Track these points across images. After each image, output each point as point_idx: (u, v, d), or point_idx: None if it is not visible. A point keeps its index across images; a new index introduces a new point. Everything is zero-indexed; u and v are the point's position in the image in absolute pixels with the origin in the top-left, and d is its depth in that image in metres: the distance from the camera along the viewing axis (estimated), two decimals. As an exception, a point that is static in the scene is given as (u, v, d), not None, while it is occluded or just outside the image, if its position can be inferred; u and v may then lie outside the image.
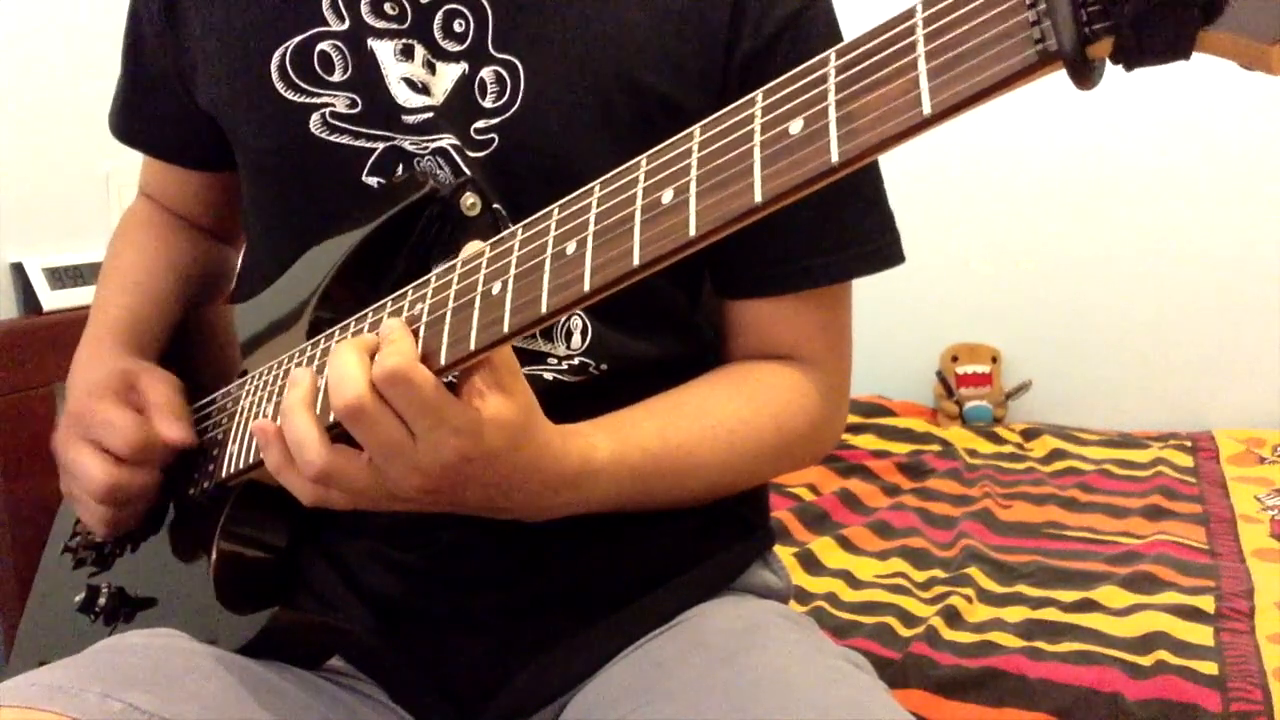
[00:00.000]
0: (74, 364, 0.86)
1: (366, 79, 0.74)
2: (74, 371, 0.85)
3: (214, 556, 0.73)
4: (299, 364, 0.69)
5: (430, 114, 0.73)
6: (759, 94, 0.46)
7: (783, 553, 1.07)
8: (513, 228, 0.56)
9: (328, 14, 0.75)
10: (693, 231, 0.46)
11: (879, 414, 2.24)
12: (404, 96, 0.73)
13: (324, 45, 0.75)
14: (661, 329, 0.78)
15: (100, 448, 0.77)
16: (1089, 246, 2.31)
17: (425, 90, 0.73)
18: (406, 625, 0.76)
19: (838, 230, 0.76)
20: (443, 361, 0.56)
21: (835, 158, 0.41)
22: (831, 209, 0.76)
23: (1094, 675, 1.20)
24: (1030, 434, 2.18)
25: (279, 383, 0.71)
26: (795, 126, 0.43)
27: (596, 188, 0.52)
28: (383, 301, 0.63)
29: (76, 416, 0.79)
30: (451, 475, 0.59)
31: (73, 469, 0.79)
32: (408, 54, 0.74)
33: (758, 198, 0.43)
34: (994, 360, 2.34)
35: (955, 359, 2.36)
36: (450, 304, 0.57)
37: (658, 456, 0.71)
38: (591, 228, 0.50)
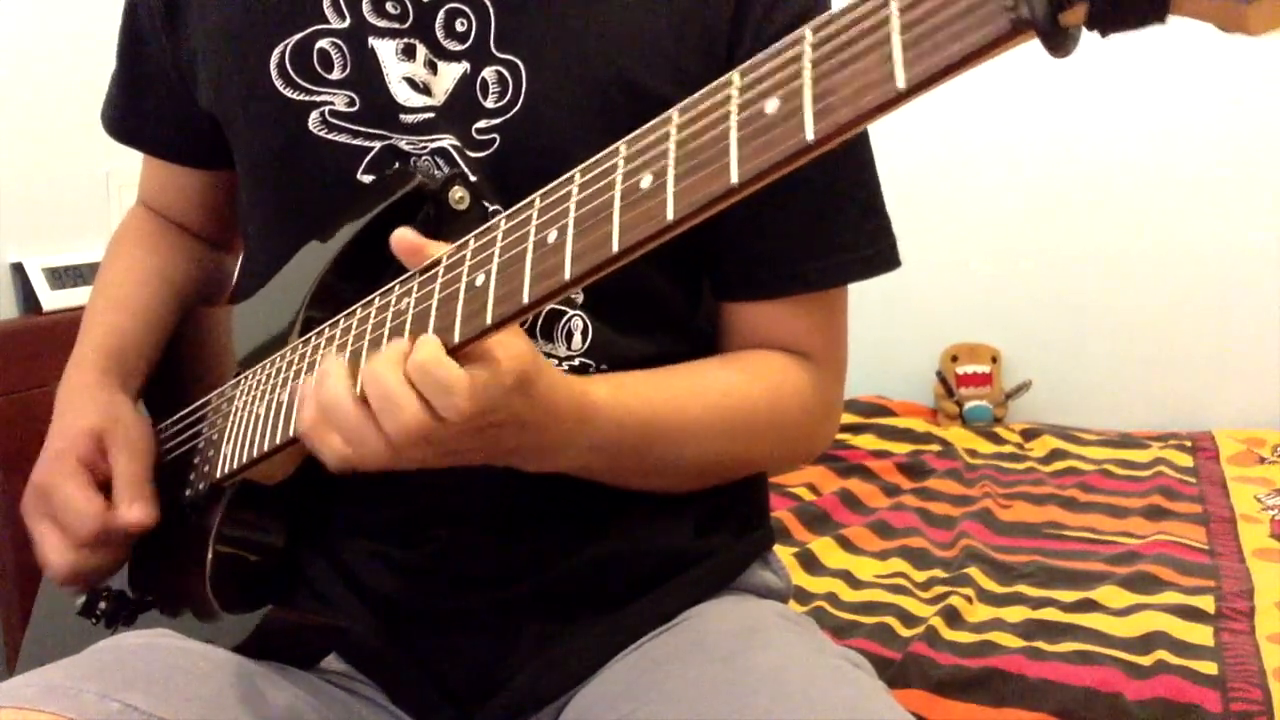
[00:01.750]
0: (59, 390, 0.85)
1: (366, 78, 0.74)
2: (57, 403, 0.84)
3: (209, 557, 0.73)
4: (290, 363, 0.69)
5: (430, 114, 0.73)
6: (735, 74, 0.45)
7: (783, 553, 1.07)
8: (496, 219, 0.56)
9: (328, 12, 0.75)
10: (670, 215, 0.45)
11: (879, 414, 2.24)
12: (404, 96, 0.73)
13: (323, 43, 0.75)
14: (662, 329, 0.78)
15: (61, 529, 0.77)
16: (1089, 246, 2.31)
17: (426, 90, 0.73)
18: (406, 625, 0.76)
19: (834, 234, 0.76)
20: None
21: (810, 135, 0.40)
22: (827, 213, 0.76)
23: (1094, 675, 1.20)
24: (1030, 434, 2.18)
25: (270, 382, 0.71)
26: (771, 105, 0.42)
27: (577, 175, 0.52)
28: (370, 298, 0.63)
29: (40, 489, 0.78)
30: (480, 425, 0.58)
31: (34, 544, 0.79)
32: (409, 53, 0.74)
33: (734, 179, 0.43)
34: (994, 360, 2.34)
35: (955, 359, 2.36)
36: (435, 297, 0.57)
37: (654, 404, 0.71)
38: (572, 215, 0.50)
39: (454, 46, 0.73)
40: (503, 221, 0.55)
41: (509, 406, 0.58)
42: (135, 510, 0.76)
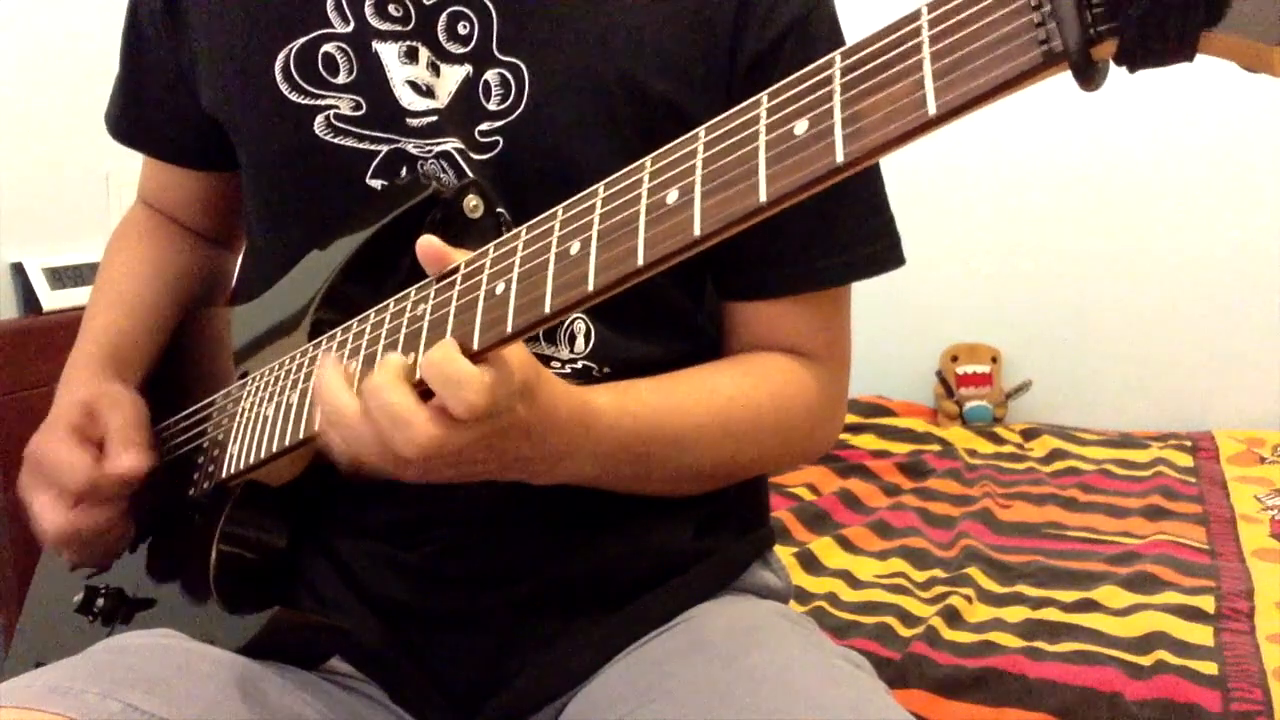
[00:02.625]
0: (58, 387, 0.85)
1: (371, 81, 0.74)
2: (55, 397, 0.84)
3: (213, 557, 0.73)
4: (300, 365, 0.69)
5: (434, 117, 0.73)
6: (764, 95, 0.46)
7: (783, 553, 1.07)
8: (517, 229, 0.56)
9: (332, 15, 0.75)
10: (697, 231, 0.46)
11: (879, 414, 2.25)
12: (408, 99, 0.73)
13: (328, 47, 0.74)
14: (665, 331, 0.78)
15: (56, 490, 0.76)
16: (1089, 246, 2.32)
17: (429, 93, 0.73)
18: (407, 625, 0.76)
19: (837, 234, 0.76)
20: None
21: (841, 158, 0.41)
22: (831, 213, 0.76)
23: (1094, 675, 1.20)
24: (1030, 434, 2.18)
25: (280, 383, 0.71)
26: (800, 127, 0.43)
27: (601, 189, 0.52)
28: (385, 303, 0.63)
29: (32, 459, 0.78)
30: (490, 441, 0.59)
31: (31, 514, 0.78)
32: (411, 56, 0.74)
33: (762, 198, 0.44)
34: (994, 360, 2.34)
35: (955, 359, 2.36)
36: (453, 304, 0.57)
37: (656, 411, 0.71)
38: (596, 228, 0.51)
39: (456, 49, 0.73)
40: (524, 232, 0.55)
41: (514, 412, 0.58)
42: (127, 457, 0.75)
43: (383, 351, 0.60)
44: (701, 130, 0.48)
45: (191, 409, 0.82)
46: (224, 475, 0.74)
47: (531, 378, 0.59)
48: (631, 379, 0.73)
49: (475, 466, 0.61)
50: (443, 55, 0.74)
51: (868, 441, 2.13)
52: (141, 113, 0.90)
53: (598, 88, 0.72)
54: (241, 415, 0.74)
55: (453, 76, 0.73)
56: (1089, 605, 1.40)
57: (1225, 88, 2.17)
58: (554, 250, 0.52)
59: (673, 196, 0.47)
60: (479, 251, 0.58)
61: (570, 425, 0.64)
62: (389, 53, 0.74)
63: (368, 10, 0.74)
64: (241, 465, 0.72)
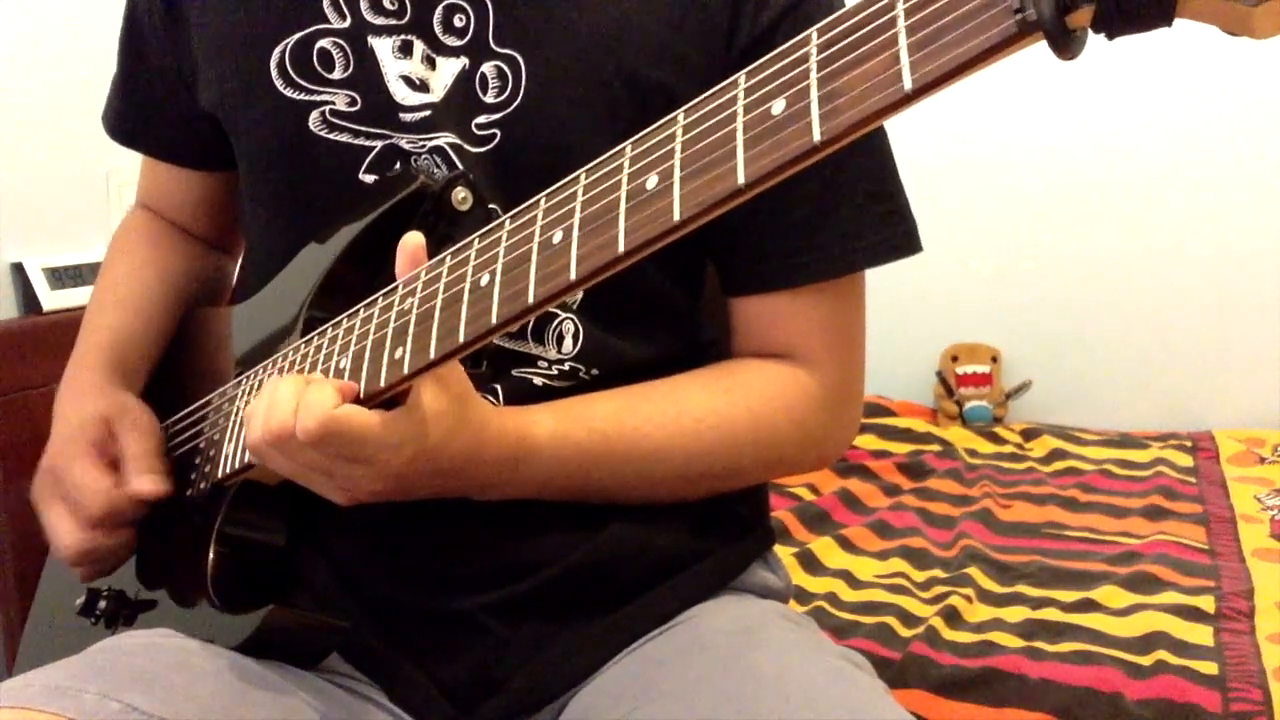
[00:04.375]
0: (61, 388, 0.85)
1: (366, 77, 0.74)
2: (59, 400, 0.84)
3: (210, 556, 0.73)
4: (293, 362, 0.69)
5: (429, 112, 0.73)
6: (741, 76, 0.45)
7: (783, 553, 1.07)
8: (501, 218, 0.56)
9: (328, 11, 0.75)
10: (677, 216, 0.45)
11: (879, 414, 2.25)
12: (402, 94, 0.73)
13: (324, 43, 0.75)
14: (657, 330, 0.77)
15: (72, 508, 0.77)
16: (1089, 246, 2.31)
17: (423, 87, 0.73)
18: (405, 625, 0.76)
19: (834, 224, 0.75)
20: (432, 355, 0.56)
21: (817, 137, 0.41)
22: (828, 201, 0.75)
23: (1094, 675, 1.20)
24: (1030, 434, 2.18)
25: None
26: (777, 107, 0.42)
27: (582, 176, 0.52)
28: (373, 298, 0.63)
29: (52, 472, 0.79)
30: (394, 480, 0.63)
31: (46, 527, 0.79)
32: (406, 50, 0.74)
33: (741, 180, 0.43)
34: (994, 360, 2.34)
35: (955, 359, 2.36)
36: (439, 296, 0.57)
37: (608, 437, 0.71)
38: (577, 215, 0.50)
39: (452, 42, 0.73)
40: (507, 222, 0.55)
41: (425, 454, 0.62)
42: (146, 481, 0.77)
43: (372, 346, 0.61)
44: (680, 114, 0.47)
45: (189, 409, 0.82)
46: (220, 475, 0.74)
47: (447, 424, 0.63)
48: (591, 395, 0.73)
49: (373, 482, 0.64)
50: (438, 48, 0.74)
51: (868, 441, 2.13)
52: (140, 112, 0.90)
53: (595, 79, 0.72)
54: (236, 414, 0.74)
55: (448, 69, 0.73)
56: (1089, 605, 1.39)
57: (1225, 87, 2.17)
58: (537, 240, 0.52)
59: (652, 181, 0.47)
60: (464, 242, 0.58)
61: (497, 463, 0.68)
62: (383, 47, 0.74)
63: (363, 5, 0.74)
64: (236, 464, 0.71)
